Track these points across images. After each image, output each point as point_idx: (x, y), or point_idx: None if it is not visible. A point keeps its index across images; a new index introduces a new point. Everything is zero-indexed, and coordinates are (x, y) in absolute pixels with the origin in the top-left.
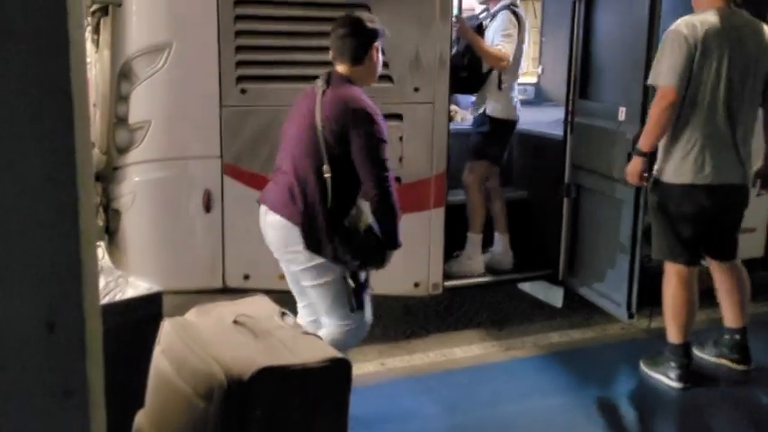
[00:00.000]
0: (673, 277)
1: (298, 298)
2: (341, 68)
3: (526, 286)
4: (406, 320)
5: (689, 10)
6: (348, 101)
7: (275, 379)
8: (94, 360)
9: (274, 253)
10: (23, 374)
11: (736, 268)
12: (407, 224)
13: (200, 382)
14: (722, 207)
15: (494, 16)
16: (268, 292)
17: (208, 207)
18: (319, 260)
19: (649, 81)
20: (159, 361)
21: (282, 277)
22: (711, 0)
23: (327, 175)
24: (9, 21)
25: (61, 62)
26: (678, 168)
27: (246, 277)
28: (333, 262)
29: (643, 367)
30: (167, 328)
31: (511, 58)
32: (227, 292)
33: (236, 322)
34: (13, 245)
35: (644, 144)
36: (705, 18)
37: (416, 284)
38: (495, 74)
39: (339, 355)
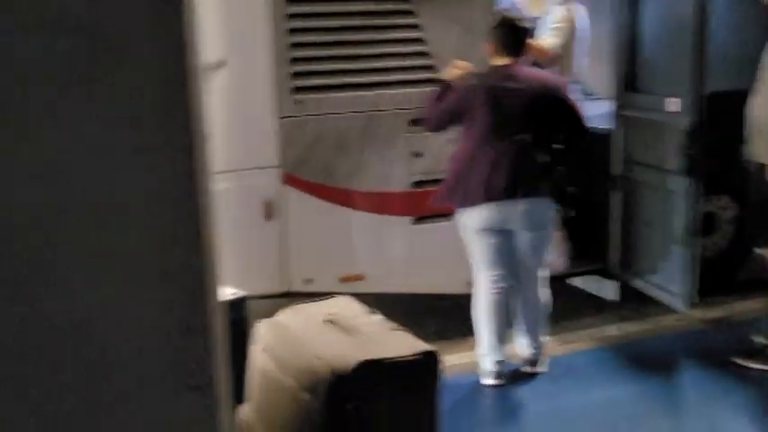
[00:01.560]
0: None
1: (498, 266)
2: (503, 60)
3: (577, 281)
4: (461, 317)
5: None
6: (547, 77)
7: (373, 371)
8: (222, 357)
9: (521, 232)
10: (160, 371)
11: None
12: None
13: (303, 377)
14: None
15: (546, 14)
16: (328, 295)
17: (269, 215)
18: (554, 217)
19: None
20: (260, 359)
21: (345, 279)
22: None
23: (555, 146)
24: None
25: (181, 89)
26: None
27: (309, 281)
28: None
29: (746, 364)
30: (264, 328)
31: (559, 51)
32: (291, 296)
33: (327, 321)
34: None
35: None
36: None
37: (469, 283)
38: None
39: (428, 347)
